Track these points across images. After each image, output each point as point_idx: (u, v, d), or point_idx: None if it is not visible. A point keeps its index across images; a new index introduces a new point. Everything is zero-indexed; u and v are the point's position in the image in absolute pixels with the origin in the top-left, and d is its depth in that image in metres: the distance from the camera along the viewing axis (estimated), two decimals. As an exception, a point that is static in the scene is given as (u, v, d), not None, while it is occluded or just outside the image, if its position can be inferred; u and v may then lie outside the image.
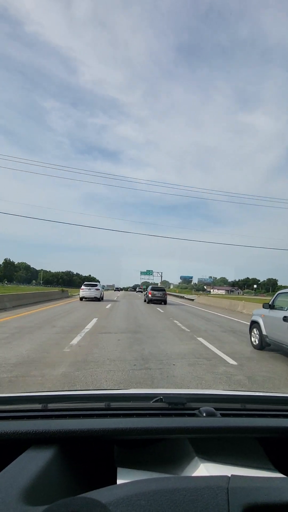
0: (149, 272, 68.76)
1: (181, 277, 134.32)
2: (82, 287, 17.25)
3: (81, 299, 16.91)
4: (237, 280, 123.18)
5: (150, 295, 17.66)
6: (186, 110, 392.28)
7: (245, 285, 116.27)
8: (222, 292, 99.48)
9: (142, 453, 0.78)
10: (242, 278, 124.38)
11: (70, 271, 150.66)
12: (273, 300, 5.04)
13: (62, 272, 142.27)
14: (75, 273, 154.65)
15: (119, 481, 0.66)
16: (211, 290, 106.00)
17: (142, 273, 69.66)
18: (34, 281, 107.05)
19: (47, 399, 0.97)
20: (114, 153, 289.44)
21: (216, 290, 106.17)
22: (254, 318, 5.59)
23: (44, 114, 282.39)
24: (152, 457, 0.78)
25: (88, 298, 16.88)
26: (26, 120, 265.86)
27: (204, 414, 0.84)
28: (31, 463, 0.62)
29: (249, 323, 5.93)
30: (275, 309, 4.88)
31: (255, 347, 5.46)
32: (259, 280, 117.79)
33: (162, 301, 17.65)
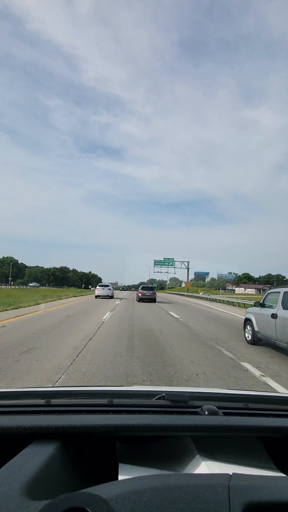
0: (168, 262, 52.33)
1: (195, 274, 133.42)
2: (97, 287, 26.23)
3: (96, 297, 24.75)
4: (257, 276, 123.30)
5: (140, 294, 21.97)
6: (190, 106, 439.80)
7: (274, 282, 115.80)
8: (252, 291, 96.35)
9: (144, 449, 0.91)
10: (263, 275, 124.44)
11: (65, 267, 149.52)
12: (264, 299, 6.51)
13: (54, 268, 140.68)
14: (71, 269, 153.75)
15: (120, 477, 0.77)
16: (235, 289, 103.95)
17: (156, 263, 52.41)
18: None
19: (50, 395, 1.13)
20: (117, 151, 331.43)
21: (242, 289, 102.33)
22: (247, 316, 7.13)
23: (48, 113, 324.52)
24: (153, 454, 0.90)
25: (102, 295, 24.80)
26: (30, 119, 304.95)
27: (206, 413, 0.97)
28: (34, 457, 0.73)
29: None
30: (265, 307, 6.34)
31: (248, 342, 6.98)
32: (284, 276, 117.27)
33: (151, 300, 21.56)
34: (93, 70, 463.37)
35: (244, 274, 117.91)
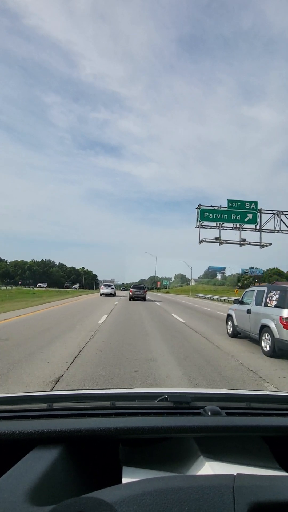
0: (242, 210, 21.36)
1: (208, 268, 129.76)
2: (102, 286, 37.51)
3: (101, 294, 34.50)
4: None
5: (131, 293, 28.91)
6: (189, 103, 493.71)
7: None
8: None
9: (147, 452, 1.09)
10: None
11: (50, 261, 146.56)
12: (242, 296, 9.03)
13: (32, 261, 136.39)
14: (56, 263, 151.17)
15: (124, 480, 0.91)
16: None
17: (206, 215, 21.77)
18: None
19: (52, 399, 1.36)
20: (116, 148, 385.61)
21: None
22: (229, 312, 9.71)
23: (46, 109, 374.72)
24: (157, 456, 1.09)
25: (106, 294, 34.34)
26: (27, 116, 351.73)
27: (209, 413, 1.17)
28: (37, 463, 0.86)
29: None
30: (244, 304, 8.82)
31: (229, 335, 9.53)
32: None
33: (142, 298, 28.41)
34: (91, 66, 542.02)
35: (272, 269, 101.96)
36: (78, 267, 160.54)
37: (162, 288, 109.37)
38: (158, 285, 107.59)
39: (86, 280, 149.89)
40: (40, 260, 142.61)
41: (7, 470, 0.84)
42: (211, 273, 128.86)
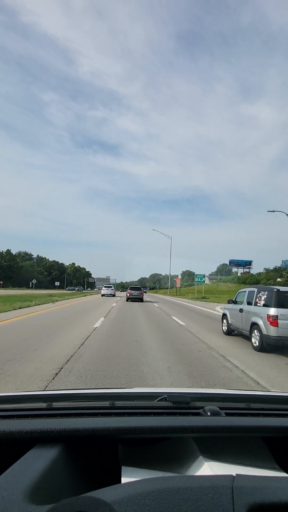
0: None
1: (230, 262, 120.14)
2: (103, 287, 53.13)
3: (102, 295, 48.26)
4: None
5: (128, 294, 35.95)
6: (188, 102, 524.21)
7: None
8: None
9: (146, 452, 1.29)
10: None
11: (25, 253, 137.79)
12: (235, 297, 11.96)
13: None
14: (34, 256, 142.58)
15: (123, 480, 1.07)
16: None
17: None
18: None
19: (51, 398, 1.60)
20: (115, 147, 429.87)
21: None
22: (224, 311, 12.71)
23: (43, 107, 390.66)
24: (156, 456, 1.28)
25: (107, 294, 48.12)
26: (25, 114, 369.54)
27: (209, 413, 1.38)
28: (36, 462, 1.02)
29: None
30: (237, 303, 11.70)
31: (224, 333, 12.48)
32: None
33: (139, 299, 35.06)
34: (88, 64, 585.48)
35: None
36: (76, 264, 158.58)
37: (174, 287, 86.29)
38: (178, 284, 78.60)
39: (76, 279, 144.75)
40: (5, 251, 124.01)
41: (7, 469, 1.01)
42: (225, 269, 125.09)
